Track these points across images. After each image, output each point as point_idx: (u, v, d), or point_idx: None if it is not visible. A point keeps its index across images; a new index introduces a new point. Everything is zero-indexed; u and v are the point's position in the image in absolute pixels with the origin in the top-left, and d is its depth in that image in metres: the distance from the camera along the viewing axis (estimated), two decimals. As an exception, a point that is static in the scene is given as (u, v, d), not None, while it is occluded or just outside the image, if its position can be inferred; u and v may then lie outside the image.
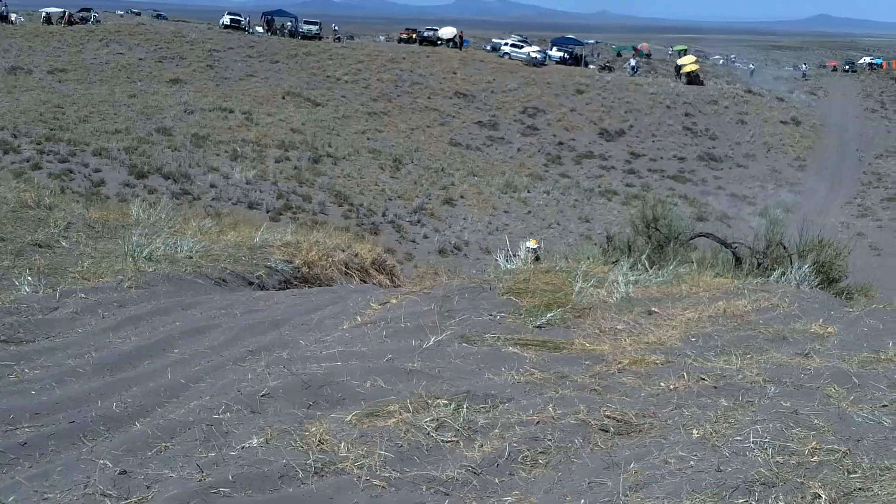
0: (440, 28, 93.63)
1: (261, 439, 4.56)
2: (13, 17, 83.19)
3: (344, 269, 12.70)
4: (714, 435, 4.54)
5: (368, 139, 59.14)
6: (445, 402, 5.19)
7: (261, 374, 5.78)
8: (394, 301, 8.48)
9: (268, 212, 37.46)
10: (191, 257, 10.36)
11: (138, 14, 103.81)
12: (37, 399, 5.50)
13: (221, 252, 11.12)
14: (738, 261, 10.86)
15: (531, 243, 12.96)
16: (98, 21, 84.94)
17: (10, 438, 4.82)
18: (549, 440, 4.66)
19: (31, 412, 5.23)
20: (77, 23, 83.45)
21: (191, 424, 4.82)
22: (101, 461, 4.39)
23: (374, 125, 62.92)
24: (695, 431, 4.63)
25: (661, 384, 5.57)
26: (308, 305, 8.73)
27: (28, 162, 38.21)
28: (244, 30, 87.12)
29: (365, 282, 12.99)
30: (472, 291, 8.42)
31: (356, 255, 13.72)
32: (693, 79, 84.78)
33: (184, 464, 4.32)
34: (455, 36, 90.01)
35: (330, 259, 12.58)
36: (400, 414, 4.96)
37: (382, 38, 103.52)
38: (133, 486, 4.14)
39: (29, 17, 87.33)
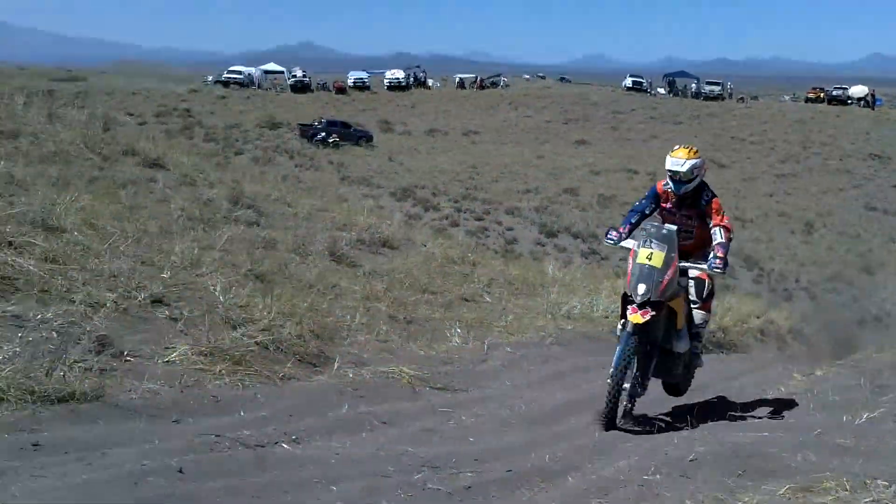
0: (850, 87, 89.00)
1: (697, 505, 4.56)
2: (430, 82, 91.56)
3: (759, 335, 12.44)
4: None
5: (777, 202, 57.13)
6: (885, 483, 4.87)
7: (687, 437, 5.80)
8: (819, 373, 8.16)
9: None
10: (606, 317, 10.64)
11: (543, 78, 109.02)
12: (475, 446, 5.89)
13: (636, 313, 11.29)
14: None
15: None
16: (507, 85, 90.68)
17: (456, 481, 5.19)
18: None
19: (471, 458, 5.59)
20: (487, 87, 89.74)
21: (623, 483, 4.95)
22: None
23: (781, 187, 60.77)
24: None
25: None
26: (728, 372, 8.66)
27: (447, 219, 40.89)
28: (646, 91, 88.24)
29: (781, 350, 12.63)
30: (905, 367, 7.91)
31: (771, 322, 13.39)
32: None
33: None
34: (866, 95, 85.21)
35: (744, 325, 12.38)
36: (836, 492, 4.73)
37: (787, 97, 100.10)
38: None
39: (444, 82, 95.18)
